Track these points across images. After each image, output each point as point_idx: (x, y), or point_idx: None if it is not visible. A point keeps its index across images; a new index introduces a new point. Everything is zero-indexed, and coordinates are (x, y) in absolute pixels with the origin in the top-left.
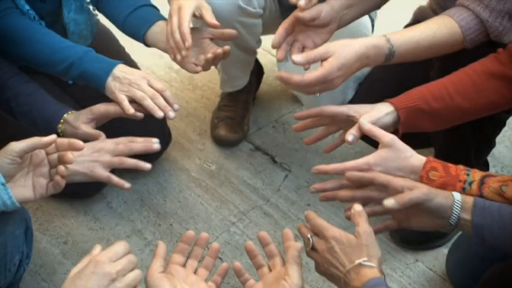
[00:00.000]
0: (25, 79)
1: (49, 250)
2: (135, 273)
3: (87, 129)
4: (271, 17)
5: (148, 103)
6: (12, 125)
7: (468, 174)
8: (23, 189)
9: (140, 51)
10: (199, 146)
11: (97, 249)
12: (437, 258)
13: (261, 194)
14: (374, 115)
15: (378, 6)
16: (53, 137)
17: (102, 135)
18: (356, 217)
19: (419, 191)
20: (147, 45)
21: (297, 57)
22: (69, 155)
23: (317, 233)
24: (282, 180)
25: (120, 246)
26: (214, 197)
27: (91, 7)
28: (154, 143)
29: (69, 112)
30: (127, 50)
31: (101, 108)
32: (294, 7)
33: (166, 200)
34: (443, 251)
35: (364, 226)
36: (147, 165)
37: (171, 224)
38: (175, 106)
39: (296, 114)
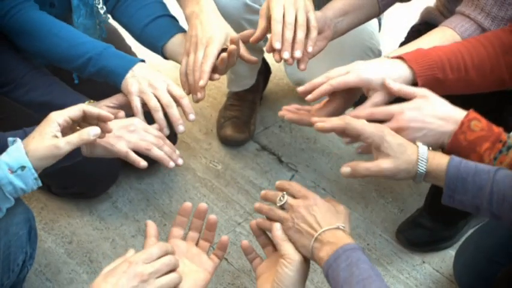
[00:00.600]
0: (44, 72)
1: (54, 250)
2: (170, 277)
3: (108, 107)
4: None
5: (159, 117)
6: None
7: (509, 137)
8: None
9: (146, 50)
10: (205, 146)
11: (130, 252)
12: (444, 260)
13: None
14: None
15: (377, 14)
16: (80, 106)
17: (121, 112)
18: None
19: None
20: (165, 57)
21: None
22: (109, 127)
23: (294, 194)
24: (288, 180)
25: (156, 248)
26: (220, 197)
27: (102, 12)
28: (175, 161)
29: (90, 101)
30: (133, 48)
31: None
32: None
33: (172, 200)
34: (451, 252)
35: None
36: (171, 164)
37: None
38: (191, 117)
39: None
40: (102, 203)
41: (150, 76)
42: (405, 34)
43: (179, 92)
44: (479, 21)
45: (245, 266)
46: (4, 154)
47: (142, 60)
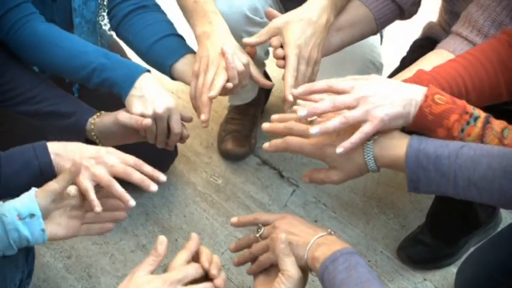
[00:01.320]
0: (53, 84)
1: (52, 264)
2: None
3: (126, 118)
4: None
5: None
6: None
7: (474, 109)
8: (57, 226)
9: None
10: (205, 160)
11: (163, 244)
12: (446, 277)
13: (268, 210)
14: None
15: (375, 32)
16: (78, 163)
17: (146, 120)
18: None
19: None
20: (173, 77)
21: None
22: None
23: (267, 220)
24: (289, 196)
25: (192, 269)
26: (220, 212)
27: (107, 28)
28: (155, 183)
29: (98, 114)
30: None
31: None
32: None
33: (172, 215)
34: (452, 270)
35: None
36: (153, 188)
37: (176, 239)
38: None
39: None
40: None
41: (153, 99)
42: (407, 47)
43: (177, 128)
44: (476, 42)
45: (245, 282)
46: (15, 200)
47: (148, 70)
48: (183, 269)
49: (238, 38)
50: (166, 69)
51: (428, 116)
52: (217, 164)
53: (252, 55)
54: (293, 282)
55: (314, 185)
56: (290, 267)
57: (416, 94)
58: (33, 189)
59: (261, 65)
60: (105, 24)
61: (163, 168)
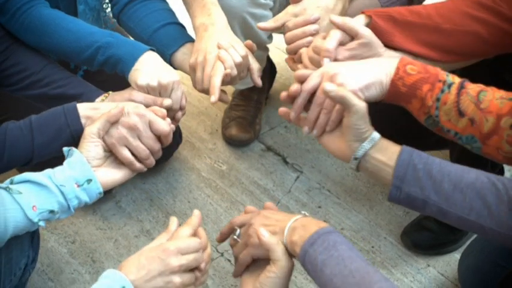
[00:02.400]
0: (60, 67)
1: (56, 249)
2: (192, 276)
3: (140, 97)
4: (281, 10)
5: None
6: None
7: (448, 75)
8: (110, 175)
9: None
10: (210, 146)
11: (174, 223)
12: (449, 263)
13: (272, 195)
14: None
15: None
16: (120, 107)
17: (167, 100)
18: None
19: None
20: (174, 66)
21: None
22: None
23: (243, 221)
24: (293, 182)
25: (194, 242)
26: (224, 197)
27: (111, 16)
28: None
29: (106, 94)
30: None
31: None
32: None
33: (176, 200)
34: (456, 256)
35: None
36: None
37: (180, 225)
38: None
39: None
40: (105, 202)
41: (158, 72)
42: None
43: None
44: None
45: None
46: (66, 167)
47: (152, 49)
48: (185, 239)
49: (241, 19)
50: (167, 58)
51: (401, 87)
52: (222, 150)
53: (252, 49)
54: (283, 270)
55: (318, 170)
56: (280, 255)
57: (387, 65)
58: (77, 152)
59: (263, 49)
60: (109, 11)
61: (167, 155)
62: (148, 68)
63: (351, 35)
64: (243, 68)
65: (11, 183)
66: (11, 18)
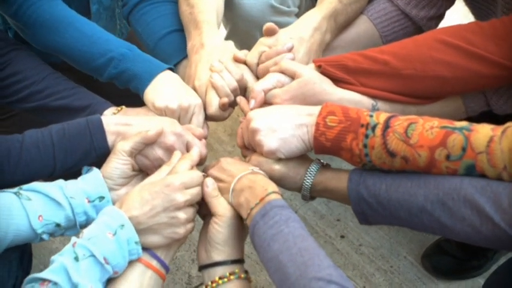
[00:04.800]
0: (63, 76)
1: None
2: (194, 210)
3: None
4: None
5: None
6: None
7: (371, 116)
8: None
9: None
10: (229, 148)
11: (176, 156)
12: None
13: (289, 204)
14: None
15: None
16: (159, 129)
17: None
18: None
19: None
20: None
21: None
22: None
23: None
24: None
25: (197, 175)
26: None
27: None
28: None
29: (118, 108)
30: None
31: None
32: None
33: None
34: (479, 281)
35: None
36: None
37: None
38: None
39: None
40: None
41: (178, 93)
42: None
43: (199, 132)
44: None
45: (258, 282)
46: (80, 180)
47: (171, 68)
48: (188, 173)
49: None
50: (173, 69)
51: (325, 143)
52: (240, 153)
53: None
54: (225, 221)
55: None
56: (219, 207)
57: (307, 120)
58: (96, 170)
59: None
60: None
61: None
62: (167, 88)
63: (290, 76)
64: (240, 90)
65: (20, 189)
66: (19, 9)
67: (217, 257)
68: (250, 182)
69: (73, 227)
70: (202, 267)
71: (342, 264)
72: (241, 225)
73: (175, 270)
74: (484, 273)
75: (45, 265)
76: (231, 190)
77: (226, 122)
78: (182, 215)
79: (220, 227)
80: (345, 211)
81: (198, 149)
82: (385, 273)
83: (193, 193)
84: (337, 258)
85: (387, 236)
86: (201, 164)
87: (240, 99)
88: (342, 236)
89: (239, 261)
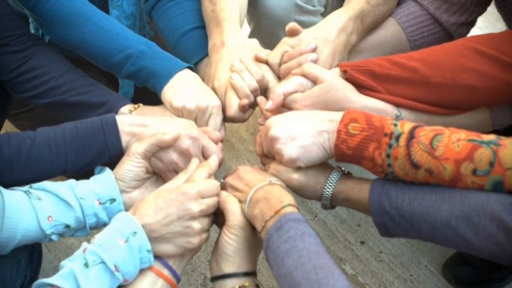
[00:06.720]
0: (82, 73)
1: (76, 247)
2: (209, 220)
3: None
4: None
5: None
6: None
7: (396, 125)
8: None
9: None
10: (250, 147)
11: (194, 164)
12: None
13: (310, 208)
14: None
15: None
16: (175, 133)
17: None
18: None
19: None
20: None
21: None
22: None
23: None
24: None
25: (214, 185)
26: None
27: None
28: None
29: (136, 106)
30: None
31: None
32: None
33: None
34: None
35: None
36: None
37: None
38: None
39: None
40: None
41: (196, 93)
42: None
43: (217, 135)
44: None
45: (274, 285)
46: (91, 181)
47: (191, 67)
48: (205, 182)
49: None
50: (192, 67)
51: (346, 151)
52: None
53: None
54: (236, 232)
55: None
56: (231, 218)
57: (328, 126)
58: (109, 171)
59: None
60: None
61: None
62: (186, 87)
63: (312, 80)
64: (261, 91)
65: (31, 187)
66: (37, 3)
67: (227, 268)
68: (266, 193)
69: (83, 229)
70: (214, 279)
71: (361, 271)
72: (254, 237)
73: (191, 271)
74: (506, 286)
75: (60, 260)
76: (247, 201)
77: (248, 121)
78: (197, 224)
79: (230, 238)
80: (366, 217)
81: (217, 157)
82: (405, 282)
83: (209, 203)
84: (356, 265)
85: (408, 243)
86: (218, 168)
87: (261, 99)
88: (362, 242)
89: (251, 273)
